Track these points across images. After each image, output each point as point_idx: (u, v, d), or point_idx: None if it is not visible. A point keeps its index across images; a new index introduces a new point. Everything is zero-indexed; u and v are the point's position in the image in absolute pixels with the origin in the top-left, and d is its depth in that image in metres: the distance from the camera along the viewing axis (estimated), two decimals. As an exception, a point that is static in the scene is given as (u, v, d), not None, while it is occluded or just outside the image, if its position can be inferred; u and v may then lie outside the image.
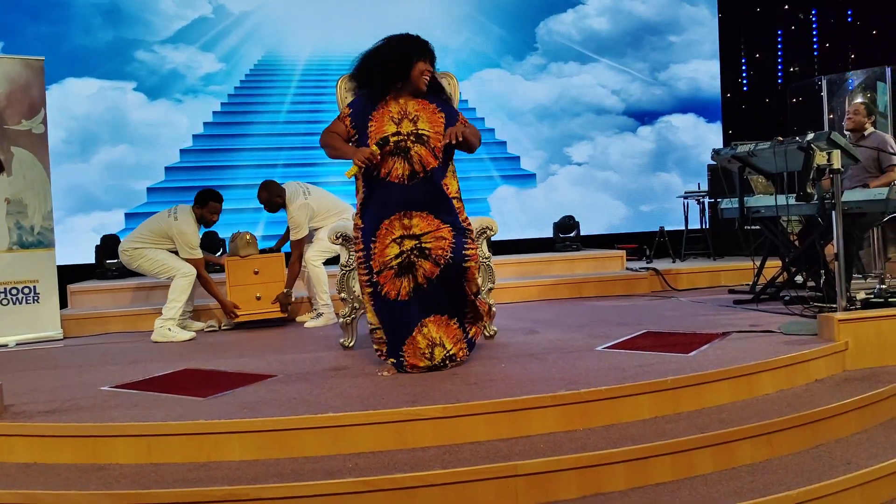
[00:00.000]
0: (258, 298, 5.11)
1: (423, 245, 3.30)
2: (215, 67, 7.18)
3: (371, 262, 3.31)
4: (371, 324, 3.45)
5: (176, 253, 4.99)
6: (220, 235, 6.47)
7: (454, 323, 3.42)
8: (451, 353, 3.40)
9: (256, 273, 5.13)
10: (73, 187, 6.74)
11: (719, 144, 8.15)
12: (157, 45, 7.04)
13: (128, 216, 6.79)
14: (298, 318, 5.43)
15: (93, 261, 6.49)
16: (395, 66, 3.31)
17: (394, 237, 3.31)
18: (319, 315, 5.14)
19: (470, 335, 3.49)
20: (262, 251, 5.31)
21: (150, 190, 6.94)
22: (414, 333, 3.35)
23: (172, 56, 7.08)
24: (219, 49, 7.19)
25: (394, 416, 2.76)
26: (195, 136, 7.12)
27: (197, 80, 7.15)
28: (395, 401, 2.91)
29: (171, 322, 4.79)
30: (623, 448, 2.64)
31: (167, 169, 7.02)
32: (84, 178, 6.85)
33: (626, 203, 8.14)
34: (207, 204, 4.97)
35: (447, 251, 3.30)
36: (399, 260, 3.30)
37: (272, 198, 5.10)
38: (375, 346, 3.50)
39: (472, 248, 3.38)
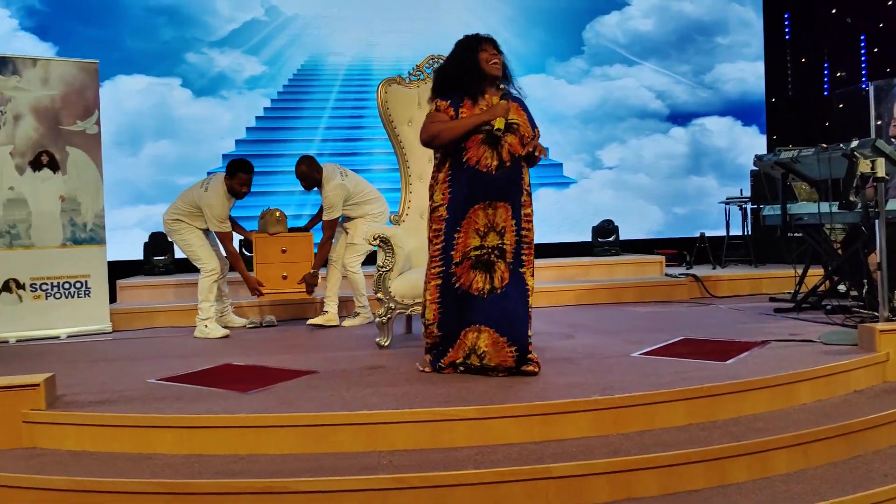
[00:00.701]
0: (284, 277, 5.03)
1: (503, 245, 3.32)
2: (259, 71, 7.33)
3: (452, 253, 3.32)
4: (427, 321, 3.42)
5: (207, 231, 5.06)
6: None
7: (510, 349, 3.34)
8: (487, 365, 3.37)
9: (284, 252, 5.05)
10: (120, 182, 6.89)
11: (757, 148, 8.07)
12: (205, 47, 7.21)
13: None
14: (310, 322, 5.20)
15: (140, 257, 6.67)
16: (463, 63, 3.40)
17: (476, 227, 3.32)
18: (356, 314, 5.16)
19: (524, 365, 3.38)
20: (292, 230, 5.22)
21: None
22: (467, 331, 3.36)
23: (219, 59, 7.24)
24: (264, 53, 7.33)
25: (428, 415, 2.81)
26: (238, 141, 7.27)
27: (242, 83, 7.30)
28: (430, 401, 2.96)
29: (209, 320, 4.89)
30: (656, 454, 2.65)
31: (209, 173, 7.17)
32: (131, 173, 7.03)
33: (661, 206, 8.10)
34: (235, 175, 4.90)
35: (511, 259, 3.35)
36: (478, 253, 3.31)
37: (311, 173, 4.97)
38: (427, 341, 3.48)
39: (528, 254, 3.40)
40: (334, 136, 7.42)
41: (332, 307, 5.13)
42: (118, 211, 6.90)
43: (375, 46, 7.50)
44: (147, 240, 6.71)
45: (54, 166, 5.15)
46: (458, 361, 3.40)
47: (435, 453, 2.72)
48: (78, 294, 5.23)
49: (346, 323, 5.12)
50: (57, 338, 5.08)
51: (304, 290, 5.07)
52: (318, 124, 7.45)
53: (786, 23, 8.57)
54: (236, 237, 5.30)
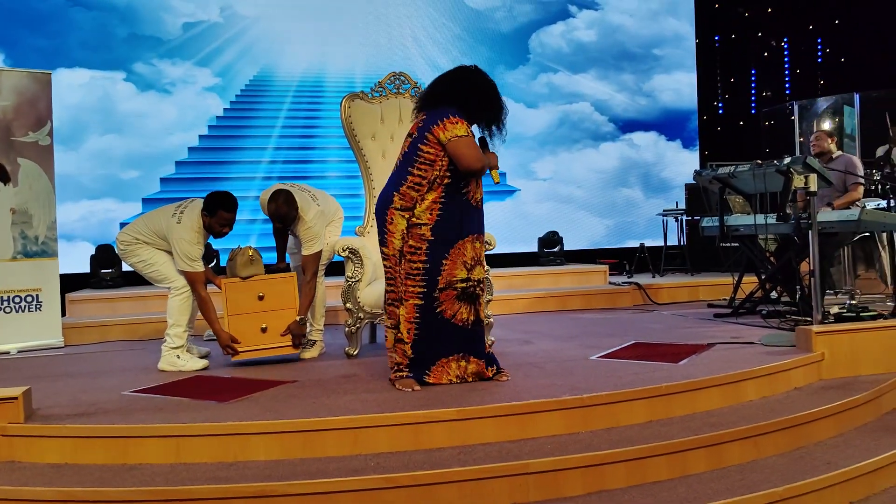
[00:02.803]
0: (264, 330, 4.15)
1: (483, 278, 3.48)
2: (211, 82, 7.33)
3: (438, 278, 3.36)
4: (402, 337, 3.40)
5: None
6: (214, 246, 6.55)
7: (484, 364, 3.53)
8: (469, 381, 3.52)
9: (261, 298, 4.15)
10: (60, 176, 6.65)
11: (681, 163, 8.57)
12: (155, 59, 7.17)
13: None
14: (304, 357, 4.43)
15: (87, 270, 6.57)
16: (499, 110, 3.50)
17: (464, 259, 3.39)
18: (312, 343, 4.42)
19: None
20: (269, 269, 4.31)
21: (145, 200, 7.04)
22: (451, 359, 3.45)
23: (170, 70, 7.21)
24: (215, 64, 7.34)
25: (410, 418, 2.95)
26: (190, 149, 7.25)
27: (194, 93, 7.28)
28: (410, 404, 3.10)
29: (181, 349, 4.15)
30: (624, 448, 2.85)
31: (162, 180, 7.14)
32: (73, 168, 6.90)
33: (595, 218, 8.44)
34: (216, 213, 4.08)
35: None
36: (464, 285, 3.39)
37: (291, 210, 4.18)
38: (397, 358, 3.43)
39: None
40: (284, 158, 7.46)
41: (318, 335, 4.46)
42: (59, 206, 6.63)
43: (328, 60, 7.59)
44: (94, 252, 6.61)
45: (5, 178, 5.06)
46: (444, 382, 3.45)
47: (418, 454, 2.85)
48: (29, 308, 5.14)
49: (306, 355, 4.36)
50: (7, 353, 4.97)
51: (290, 343, 4.22)
52: (268, 140, 7.47)
53: (716, 45, 9.07)
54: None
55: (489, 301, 4.24)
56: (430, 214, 3.37)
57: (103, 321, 5.57)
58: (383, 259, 3.50)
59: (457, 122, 3.34)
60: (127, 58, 7.10)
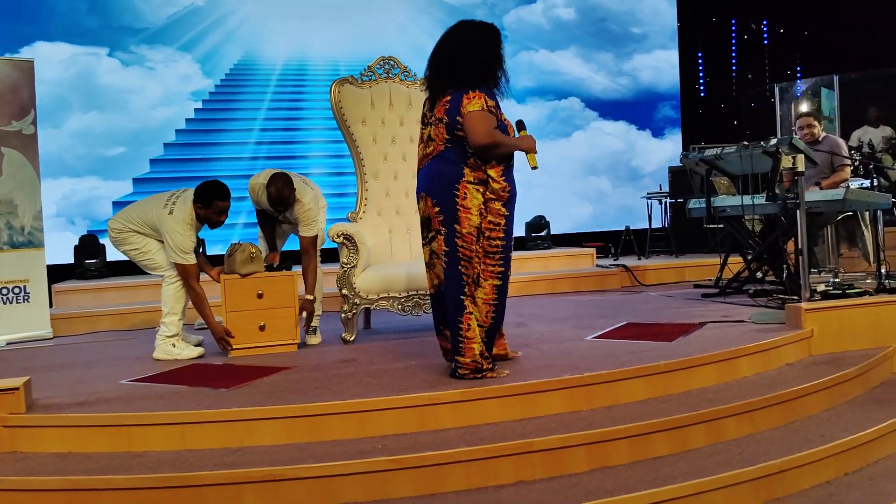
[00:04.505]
0: (262, 328, 4.07)
1: None
2: (193, 68, 7.25)
3: (510, 255, 3.31)
4: (480, 321, 3.26)
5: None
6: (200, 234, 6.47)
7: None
8: None
9: (260, 296, 4.06)
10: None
11: (664, 146, 8.68)
12: (133, 45, 7.07)
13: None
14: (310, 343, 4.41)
15: (71, 260, 6.50)
16: (502, 60, 3.29)
17: None
18: (315, 329, 4.38)
19: None
20: (269, 268, 4.22)
21: (135, 180, 6.96)
22: (500, 337, 3.54)
23: (151, 55, 7.12)
24: (197, 51, 7.25)
25: (415, 400, 2.97)
26: (165, 145, 7.17)
27: (176, 80, 7.19)
28: (413, 387, 3.12)
29: (176, 337, 4.12)
30: (625, 425, 2.90)
31: (152, 161, 7.06)
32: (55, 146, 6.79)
33: (584, 202, 8.50)
34: (212, 205, 4.03)
35: None
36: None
37: (292, 194, 4.15)
38: (476, 362, 3.22)
39: None
40: (271, 139, 7.39)
41: (317, 321, 4.44)
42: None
43: (311, 46, 7.52)
44: (77, 243, 6.54)
45: (-11, 168, 4.99)
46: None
47: (424, 435, 2.88)
48: (17, 300, 5.08)
49: (312, 341, 4.34)
50: (-5, 345, 4.93)
51: (288, 341, 4.14)
52: (253, 126, 7.40)
53: (697, 26, 9.13)
54: None
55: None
56: (508, 193, 3.25)
57: (91, 312, 5.53)
58: (456, 238, 3.17)
59: (473, 98, 3.15)
60: (110, 42, 6.99)
